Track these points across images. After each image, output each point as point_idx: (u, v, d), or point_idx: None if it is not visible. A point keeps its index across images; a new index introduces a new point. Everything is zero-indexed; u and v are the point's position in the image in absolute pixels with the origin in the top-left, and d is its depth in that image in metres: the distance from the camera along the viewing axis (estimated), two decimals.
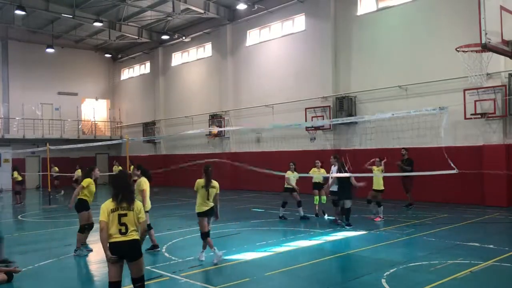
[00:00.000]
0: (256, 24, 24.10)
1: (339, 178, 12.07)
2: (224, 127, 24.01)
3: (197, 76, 28.21)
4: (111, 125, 35.42)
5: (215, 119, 25.36)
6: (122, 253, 5.16)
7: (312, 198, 13.81)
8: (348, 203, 11.88)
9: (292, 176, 13.42)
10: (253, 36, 24.51)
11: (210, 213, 8.44)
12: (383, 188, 12.90)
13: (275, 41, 23.17)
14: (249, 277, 7.27)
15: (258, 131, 22.72)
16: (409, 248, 9.59)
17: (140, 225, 5.30)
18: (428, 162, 14.24)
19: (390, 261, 8.08)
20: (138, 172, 9.50)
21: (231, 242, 10.33)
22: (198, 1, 23.86)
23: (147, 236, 8.18)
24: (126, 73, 35.42)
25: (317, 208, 13.77)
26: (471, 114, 15.21)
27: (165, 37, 28.40)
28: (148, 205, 9.23)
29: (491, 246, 9.20)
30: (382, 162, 13.12)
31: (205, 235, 8.38)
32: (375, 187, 12.93)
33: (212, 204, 8.42)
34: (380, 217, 12.77)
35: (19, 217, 15.90)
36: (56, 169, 22.14)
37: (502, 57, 11.61)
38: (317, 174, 13.73)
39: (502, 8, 8.72)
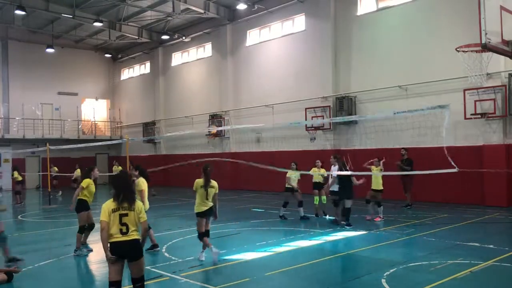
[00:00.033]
0: (256, 24, 24.10)
1: (340, 178, 12.09)
2: (224, 126, 24.02)
3: (197, 76, 28.22)
4: (111, 125, 35.43)
5: (215, 119, 25.37)
6: (123, 252, 5.18)
7: (312, 198, 13.81)
8: (348, 203, 11.90)
9: (293, 176, 13.40)
10: (253, 36, 24.51)
11: (209, 213, 8.45)
12: (382, 188, 12.89)
13: (275, 41, 23.17)
14: (249, 277, 7.27)
15: (258, 131, 22.72)
16: (409, 248, 9.59)
17: (141, 225, 5.32)
18: (427, 162, 14.23)
19: (390, 261, 8.08)
20: (136, 173, 9.50)
21: (231, 242, 10.33)
22: (198, 1, 23.86)
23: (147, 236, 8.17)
24: (126, 73, 35.42)
25: (317, 208, 13.77)
26: (471, 114, 15.21)
27: (165, 37, 28.41)
28: (147, 205, 9.23)
29: (491, 246, 9.20)
30: (381, 162, 13.12)
31: (201, 236, 8.43)
32: (373, 187, 12.93)
33: (211, 204, 8.43)
34: (380, 217, 12.76)
35: (19, 217, 15.90)
36: (56, 169, 22.18)
37: (502, 57, 11.61)
38: (317, 172, 13.71)
39: (502, 8, 8.72)
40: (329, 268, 8.08)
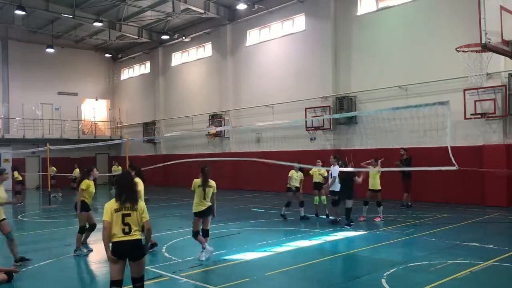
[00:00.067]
0: (256, 24, 24.10)
1: (341, 178, 12.12)
2: (223, 127, 24.03)
3: (197, 76, 28.22)
4: (111, 125, 35.43)
5: (215, 119, 25.37)
6: (125, 252, 5.21)
7: (312, 198, 13.81)
8: (349, 203, 11.91)
9: (295, 176, 13.39)
10: (253, 36, 24.51)
11: (207, 213, 8.49)
12: (380, 188, 12.89)
13: (275, 41, 23.17)
14: (249, 277, 7.27)
15: (258, 131, 22.72)
16: (409, 248, 9.59)
17: (144, 225, 5.34)
18: (427, 162, 14.18)
19: (390, 261, 8.08)
20: (133, 173, 9.49)
21: (231, 242, 10.34)
22: (198, 1, 23.86)
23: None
24: (126, 73, 35.42)
25: (317, 208, 13.77)
26: (471, 114, 15.21)
27: (165, 37, 28.41)
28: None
29: (491, 246, 9.20)
30: (379, 161, 13.11)
31: (195, 234, 8.50)
32: (371, 187, 12.93)
33: (209, 204, 8.47)
34: (380, 217, 12.76)
35: (19, 217, 15.90)
36: (54, 169, 22.16)
37: (502, 57, 11.62)
38: (317, 172, 13.72)
39: (502, 8, 8.72)
40: (329, 268, 8.08)
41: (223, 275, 7.63)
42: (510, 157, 15.07)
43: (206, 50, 27.82)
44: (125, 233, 5.20)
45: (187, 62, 29.14)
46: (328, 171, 12.99)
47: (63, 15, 25.25)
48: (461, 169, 8.72)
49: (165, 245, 9.88)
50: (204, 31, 26.83)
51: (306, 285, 7.05)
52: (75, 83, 33.48)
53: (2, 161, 29.11)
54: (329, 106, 19.74)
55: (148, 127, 30.86)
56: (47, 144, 20.29)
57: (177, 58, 30.10)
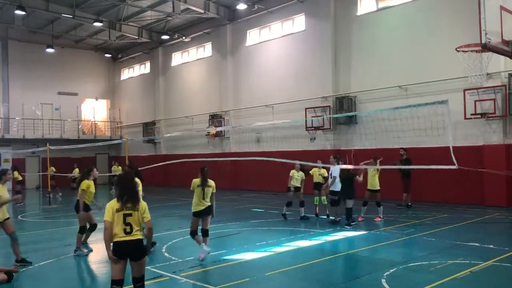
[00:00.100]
0: (256, 24, 24.10)
1: (342, 178, 12.14)
2: (223, 127, 24.03)
3: (197, 76, 28.22)
4: (111, 125, 35.43)
5: (215, 119, 25.37)
6: (127, 252, 5.23)
7: (312, 198, 13.82)
8: (350, 203, 11.91)
9: (296, 175, 13.40)
10: (253, 36, 24.51)
11: (206, 212, 8.49)
12: (379, 188, 12.90)
13: (275, 41, 23.17)
14: (249, 277, 7.28)
15: (258, 131, 22.72)
16: (409, 248, 9.59)
17: (145, 225, 5.36)
18: (427, 162, 14.18)
19: (390, 261, 8.08)
20: None
21: (231, 242, 10.34)
22: (198, 1, 23.86)
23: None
24: (126, 73, 35.42)
25: (317, 208, 13.78)
26: (471, 114, 15.20)
27: (165, 37, 28.40)
28: None
29: (491, 246, 9.20)
30: (378, 161, 13.10)
31: (193, 234, 8.53)
32: (369, 187, 12.94)
33: (208, 204, 8.48)
34: (380, 217, 12.76)
35: (19, 217, 15.90)
36: (53, 169, 22.17)
37: (502, 57, 11.61)
38: (317, 172, 13.73)
39: (502, 8, 8.72)
40: (329, 268, 8.08)
41: (223, 275, 7.63)
42: (510, 157, 15.07)
43: (206, 50, 27.82)
44: (127, 233, 5.23)
45: (187, 62, 29.14)
46: (328, 170, 12.99)
47: (63, 15, 25.25)
48: (460, 168, 8.71)
49: (165, 245, 9.88)
50: (204, 31, 26.83)
51: (306, 285, 7.05)
52: (75, 83, 33.49)
53: (2, 161, 29.11)
54: (329, 106, 19.74)
55: (148, 127, 30.86)
56: (47, 144, 20.28)
57: (177, 58, 30.09)
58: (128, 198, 5.29)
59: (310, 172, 13.80)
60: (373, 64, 18.77)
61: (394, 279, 6.99)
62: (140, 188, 9.07)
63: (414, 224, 12.08)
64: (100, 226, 9.78)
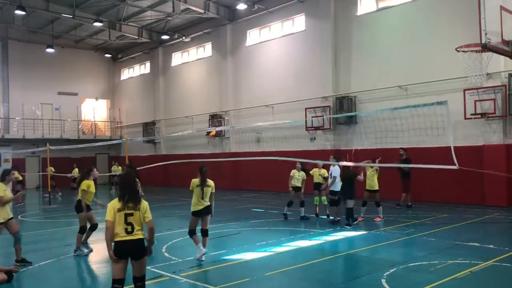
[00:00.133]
0: (256, 24, 24.10)
1: (342, 178, 12.16)
2: (223, 127, 24.02)
3: (197, 76, 28.22)
4: (111, 125, 35.43)
5: (215, 119, 25.37)
6: (128, 251, 5.26)
7: (313, 198, 13.82)
8: (350, 203, 11.91)
9: (297, 175, 13.40)
10: (253, 36, 24.51)
11: (205, 212, 8.49)
12: (378, 188, 12.90)
13: (275, 41, 23.17)
14: (249, 277, 7.28)
15: (258, 131, 22.72)
16: (409, 248, 9.59)
17: (146, 225, 5.38)
18: (427, 162, 14.18)
19: (390, 261, 8.08)
20: None
21: (231, 242, 10.34)
22: (198, 1, 23.86)
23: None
24: (126, 73, 35.42)
25: (317, 208, 13.78)
26: (471, 114, 15.20)
27: (165, 37, 28.40)
28: None
29: (491, 246, 9.20)
30: (377, 161, 13.10)
31: (192, 233, 8.56)
32: (368, 187, 12.95)
33: (207, 203, 8.49)
34: (380, 217, 12.76)
35: (19, 217, 15.88)
36: (52, 169, 22.16)
37: (502, 57, 11.61)
38: (317, 173, 13.72)
39: (502, 8, 8.72)
40: (329, 268, 8.08)
41: (223, 275, 7.63)
42: (510, 157, 15.07)
43: (206, 50, 27.82)
44: (128, 232, 5.25)
45: (187, 62, 29.14)
46: (328, 170, 12.99)
47: (63, 15, 25.24)
48: (461, 168, 8.71)
49: (165, 245, 9.88)
50: (204, 31, 26.83)
51: (306, 285, 7.05)
52: (75, 83, 33.48)
53: (2, 161, 29.09)
54: (329, 106, 19.74)
55: (148, 127, 30.86)
56: (47, 144, 20.29)
57: (177, 58, 30.09)
58: (129, 197, 5.32)
59: (311, 172, 13.80)
60: (373, 64, 18.77)
61: (394, 279, 6.99)
62: (139, 187, 9.11)
63: (414, 224, 12.08)
64: (101, 226, 9.84)
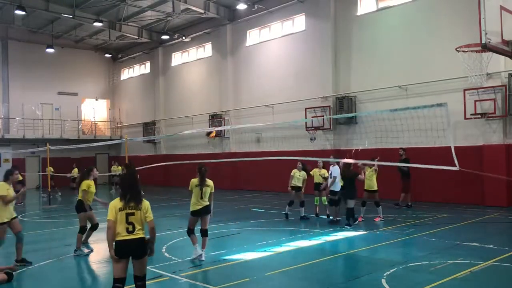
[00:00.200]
0: (256, 24, 24.10)
1: (343, 178, 12.16)
2: (223, 127, 24.00)
3: (197, 76, 28.22)
4: (111, 125, 35.43)
5: (215, 119, 25.36)
6: (129, 251, 5.27)
7: (313, 198, 13.82)
8: (351, 203, 11.91)
9: (297, 175, 13.40)
10: (253, 36, 24.51)
11: (204, 212, 8.49)
12: (377, 188, 12.91)
13: (275, 41, 23.17)
14: (249, 277, 7.28)
15: (258, 131, 22.72)
16: (409, 248, 9.59)
17: (147, 224, 5.40)
18: (427, 162, 14.16)
19: (390, 261, 8.08)
20: None
21: (231, 242, 10.34)
22: (198, 1, 23.86)
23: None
24: (126, 73, 35.42)
25: (317, 208, 13.78)
26: (471, 114, 15.20)
27: (165, 37, 28.41)
28: None
29: (491, 246, 9.20)
30: (376, 160, 13.09)
31: (190, 232, 8.57)
32: (367, 187, 12.95)
33: (206, 203, 8.49)
34: (380, 217, 12.76)
35: (19, 217, 15.83)
36: (51, 169, 22.16)
37: (502, 57, 11.62)
38: (317, 173, 13.72)
39: (502, 8, 8.72)
40: (329, 268, 8.07)
41: (223, 275, 7.63)
42: (510, 157, 15.07)
43: (206, 50, 27.82)
44: (129, 232, 5.27)
45: (187, 62, 29.14)
46: (329, 169, 12.99)
47: (63, 15, 25.24)
48: (462, 170, 8.71)
49: (165, 245, 9.88)
50: (204, 31, 26.83)
51: (306, 285, 7.05)
52: (75, 83, 33.49)
53: (2, 161, 29.11)
54: (329, 106, 19.74)
55: (148, 127, 30.85)
56: (47, 144, 20.29)
57: (177, 58, 30.09)
58: (131, 197, 5.33)
59: (311, 172, 13.80)
60: (373, 64, 18.76)
61: (394, 279, 6.99)
62: None
63: (414, 224, 12.08)
64: (101, 226, 9.85)
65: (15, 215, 8.48)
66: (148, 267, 7.45)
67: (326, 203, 13.31)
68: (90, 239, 10.15)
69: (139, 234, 5.31)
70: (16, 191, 20.98)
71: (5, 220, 8.16)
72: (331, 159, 13.41)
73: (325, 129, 19.85)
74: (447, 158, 8.94)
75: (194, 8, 23.98)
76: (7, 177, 8.44)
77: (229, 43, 25.31)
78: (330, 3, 20.19)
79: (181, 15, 25.00)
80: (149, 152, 31.01)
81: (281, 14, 22.72)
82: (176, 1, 23.71)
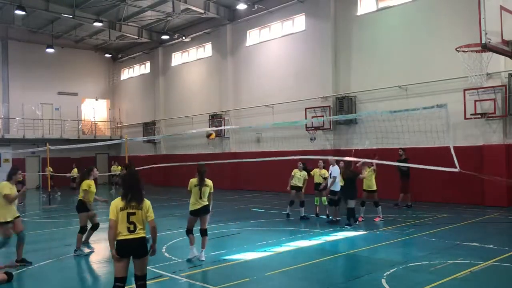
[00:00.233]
0: (256, 24, 24.10)
1: (344, 178, 12.16)
2: (224, 126, 23.98)
3: (197, 76, 28.22)
4: (111, 125, 35.44)
5: (215, 119, 25.36)
6: (130, 250, 5.29)
7: (313, 198, 13.82)
8: (351, 203, 11.91)
9: (298, 175, 13.40)
10: (253, 36, 24.51)
11: (203, 212, 8.49)
12: (376, 188, 12.91)
13: (275, 41, 23.17)
14: (249, 277, 7.27)
15: (258, 131, 22.72)
16: (409, 248, 9.59)
17: (148, 224, 5.42)
18: (427, 162, 14.18)
19: (390, 261, 8.08)
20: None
21: (231, 242, 10.34)
22: (198, 1, 23.86)
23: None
24: (126, 73, 35.43)
25: (317, 208, 13.78)
26: (471, 114, 15.20)
27: (165, 37, 28.41)
28: None
29: (491, 246, 9.20)
30: (375, 158, 13.06)
31: (189, 231, 8.58)
32: (366, 188, 12.95)
33: (205, 203, 8.50)
34: (380, 217, 12.76)
35: None
36: (51, 169, 22.17)
37: (502, 57, 11.62)
38: (317, 173, 13.72)
39: (502, 8, 8.72)
40: (329, 268, 8.07)
41: (223, 275, 7.62)
42: (510, 157, 15.07)
43: (206, 50, 27.82)
44: (130, 231, 5.29)
45: (187, 62, 29.14)
46: (329, 169, 12.99)
47: (63, 15, 25.25)
48: (462, 172, 8.72)
49: (165, 245, 9.89)
50: (204, 31, 26.83)
51: (306, 285, 7.05)
52: (75, 83, 33.49)
53: (2, 161, 29.12)
54: (329, 106, 19.74)
55: (148, 127, 30.85)
56: (47, 144, 20.29)
57: (177, 58, 30.10)
58: (132, 196, 5.35)
59: (311, 172, 13.79)
60: (373, 64, 18.76)
61: (394, 279, 6.99)
62: None
63: (414, 224, 12.08)
64: (102, 225, 9.86)
65: (18, 214, 8.53)
66: (148, 267, 7.46)
67: (326, 203, 13.32)
68: (91, 239, 10.15)
69: (140, 233, 5.33)
70: (17, 191, 20.98)
71: (9, 219, 8.23)
72: (322, 157, 13.43)
73: (325, 129, 19.86)
74: (447, 158, 8.95)
75: (194, 8, 23.98)
76: (10, 177, 8.51)
77: (229, 43, 25.32)
78: (330, 3, 20.19)
79: (181, 15, 25.00)
80: (149, 152, 31.00)
81: (281, 14, 22.72)
82: (176, 1, 23.71)
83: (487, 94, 14.93)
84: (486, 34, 7.97)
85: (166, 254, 9.09)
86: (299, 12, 21.96)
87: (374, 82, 18.45)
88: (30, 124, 30.23)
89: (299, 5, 21.75)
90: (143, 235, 5.36)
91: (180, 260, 8.56)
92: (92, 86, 34.81)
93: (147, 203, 5.44)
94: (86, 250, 9.57)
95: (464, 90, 15.29)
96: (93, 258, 9.16)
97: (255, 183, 23.23)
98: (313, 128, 20.05)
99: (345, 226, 11.69)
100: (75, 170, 24.23)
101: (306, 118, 19.97)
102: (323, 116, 19.33)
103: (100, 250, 9.76)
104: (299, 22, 22.15)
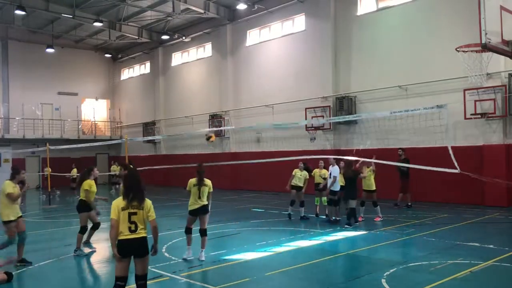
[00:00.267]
0: (256, 24, 24.10)
1: (345, 178, 12.16)
2: (223, 127, 23.98)
3: (197, 76, 28.22)
4: (111, 125, 35.44)
5: (215, 119, 25.36)
6: (131, 249, 5.31)
7: (313, 198, 13.82)
8: (352, 203, 11.91)
9: (298, 175, 13.40)
10: (253, 36, 24.51)
11: (202, 211, 8.50)
12: (375, 188, 12.91)
13: (275, 41, 23.17)
14: (249, 277, 7.27)
15: (258, 131, 22.72)
16: (409, 248, 9.59)
17: (150, 223, 5.44)
18: (427, 162, 14.19)
19: (390, 261, 8.08)
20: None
21: (231, 242, 10.34)
22: (198, 1, 23.86)
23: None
24: (126, 73, 35.42)
25: (317, 208, 13.78)
26: (471, 114, 15.20)
27: (165, 37, 28.41)
28: None
29: (491, 246, 9.20)
30: (374, 157, 13.05)
31: (188, 230, 8.62)
32: (365, 187, 12.95)
33: (204, 203, 8.51)
34: (380, 217, 12.76)
35: None
36: (49, 169, 22.16)
37: (502, 57, 11.62)
38: (318, 173, 13.72)
39: (502, 8, 8.72)
40: (329, 268, 8.07)
41: (223, 275, 7.62)
42: (510, 157, 15.07)
43: (206, 50, 27.82)
44: (131, 231, 5.31)
45: (187, 62, 29.14)
46: (329, 169, 13.00)
47: (63, 15, 25.25)
48: (462, 172, 8.72)
49: (165, 245, 9.89)
50: (204, 31, 26.83)
51: (306, 285, 7.05)
52: (75, 83, 33.50)
53: (2, 161, 29.12)
54: (329, 106, 19.74)
55: (148, 127, 30.86)
56: (47, 144, 20.28)
57: (177, 58, 30.09)
58: (133, 196, 5.36)
59: (312, 173, 13.79)
60: (373, 64, 18.76)
61: (394, 279, 6.99)
62: None
63: (414, 224, 12.08)
64: (103, 225, 9.86)
65: (20, 214, 8.55)
66: (148, 267, 7.48)
67: (326, 203, 13.32)
68: (93, 239, 10.14)
69: (141, 233, 5.35)
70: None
71: (12, 218, 8.28)
72: (322, 156, 13.43)
73: (325, 129, 19.86)
74: (447, 158, 8.96)
75: (194, 8, 23.98)
76: (13, 176, 8.56)
77: (229, 43, 25.31)
78: (330, 3, 20.19)
79: (181, 15, 25.00)
80: (149, 152, 31.00)
81: (281, 14, 22.72)
82: (176, 1, 23.71)
83: (487, 94, 14.94)
84: (486, 34, 7.97)
85: (166, 254, 9.09)
86: (299, 12, 21.96)
87: (374, 82, 18.44)
88: (30, 124, 30.23)
89: (299, 5, 21.75)
90: (144, 235, 5.37)
91: (180, 260, 8.56)
92: (92, 86, 34.81)
93: (148, 203, 5.46)
94: (86, 250, 9.57)
95: (464, 90, 15.29)
96: (93, 258, 9.16)
97: (255, 183, 23.22)
98: (313, 128, 20.05)
99: (345, 226, 11.69)
100: (75, 170, 24.22)
101: (306, 118, 19.98)
102: (323, 116, 19.32)
103: (100, 250, 9.76)
104: (299, 22, 22.15)
